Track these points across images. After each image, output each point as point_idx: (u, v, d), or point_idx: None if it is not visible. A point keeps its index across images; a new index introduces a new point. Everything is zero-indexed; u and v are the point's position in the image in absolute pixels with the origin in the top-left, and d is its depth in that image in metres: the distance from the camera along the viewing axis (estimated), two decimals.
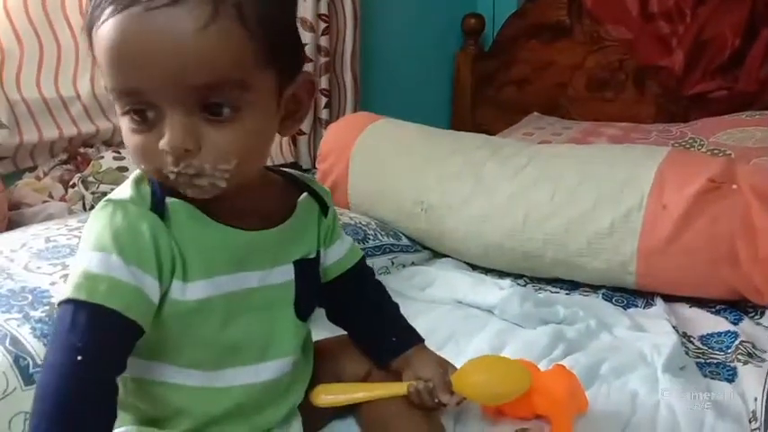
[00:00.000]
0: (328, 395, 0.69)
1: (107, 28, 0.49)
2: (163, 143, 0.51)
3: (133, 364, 0.57)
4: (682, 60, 1.83)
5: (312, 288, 0.67)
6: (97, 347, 0.51)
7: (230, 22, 0.49)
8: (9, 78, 1.32)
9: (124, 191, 0.56)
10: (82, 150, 1.41)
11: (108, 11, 0.49)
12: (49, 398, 0.49)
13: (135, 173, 0.58)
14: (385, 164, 1.39)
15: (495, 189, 1.24)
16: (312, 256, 0.66)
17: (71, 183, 1.33)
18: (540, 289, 1.21)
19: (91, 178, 1.30)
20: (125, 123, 0.53)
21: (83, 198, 1.29)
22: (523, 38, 2.12)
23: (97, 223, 0.54)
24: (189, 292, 0.56)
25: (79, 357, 0.49)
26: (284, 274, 0.63)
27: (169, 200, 0.55)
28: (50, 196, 1.30)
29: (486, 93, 2.18)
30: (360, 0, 1.86)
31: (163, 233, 0.54)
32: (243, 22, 0.50)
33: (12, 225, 1.20)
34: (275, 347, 0.63)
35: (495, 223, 1.22)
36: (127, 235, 0.53)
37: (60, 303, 0.52)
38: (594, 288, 1.21)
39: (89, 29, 0.52)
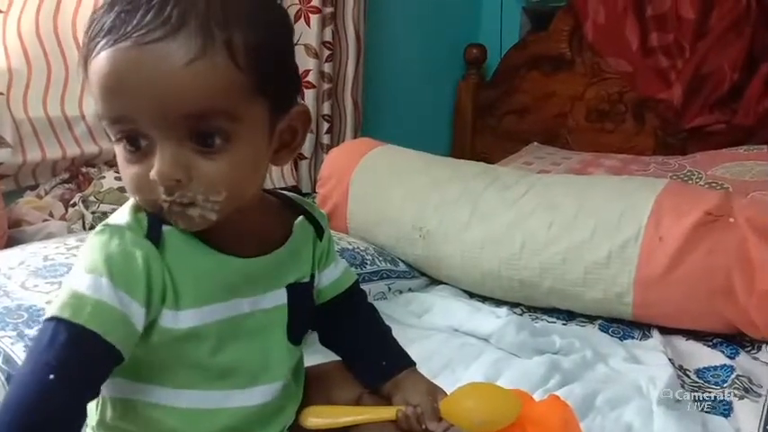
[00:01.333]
0: (317, 418, 0.69)
1: (100, 60, 0.50)
2: (153, 173, 0.51)
3: (124, 385, 0.57)
4: (681, 94, 1.85)
5: (305, 312, 0.67)
6: (71, 368, 0.50)
7: (219, 56, 0.50)
8: (16, 98, 1.34)
9: (122, 216, 0.57)
10: (84, 170, 1.42)
11: (101, 44, 0.50)
12: (11, 410, 0.49)
13: (130, 202, 0.58)
14: (384, 189, 1.40)
15: (492, 217, 1.25)
16: (306, 279, 0.67)
17: (72, 202, 1.34)
18: (536, 318, 1.21)
19: (92, 198, 1.31)
20: (119, 153, 0.54)
21: (83, 217, 1.30)
22: (524, 68, 2.15)
23: (93, 247, 0.54)
24: (181, 320, 0.56)
25: (51, 376, 0.49)
26: (277, 298, 0.63)
27: (165, 228, 0.56)
28: (51, 215, 1.31)
29: (486, 122, 2.21)
30: (363, 28, 1.89)
31: (156, 261, 0.54)
32: (232, 57, 0.50)
33: (11, 242, 1.20)
34: (268, 371, 0.63)
35: (492, 251, 1.22)
36: (119, 260, 0.53)
37: (45, 320, 0.52)
38: (591, 318, 1.21)
39: (84, 60, 0.52)
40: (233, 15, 0.51)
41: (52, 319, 0.51)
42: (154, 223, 0.55)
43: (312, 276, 0.68)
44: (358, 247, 1.32)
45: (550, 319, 1.22)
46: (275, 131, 0.56)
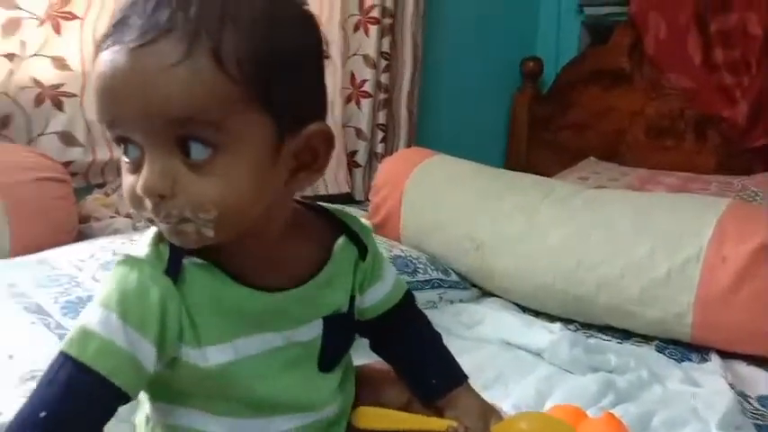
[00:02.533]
0: (368, 419, 0.69)
1: (97, 63, 0.49)
2: (138, 186, 0.48)
3: (168, 410, 0.57)
4: (745, 112, 1.80)
5: (340, 343, 0.64)
6: (66, 409, 0.49)
7: (204, 62, 0.47)
8: (89, 100, 1.40)
9: (143, 248, 0.54)
10: None
11: (102, 48, 0.49)
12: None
13: (156, 230, 0.54)
14: (438, 199, 1.41)
15: (548, 230, 1.24)
16: (344, 310, 0.63)
17: None
18: (590, 336, 1.19)
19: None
20: (122, 161, 0.52)
21: None
22: (582, 83, 2.12)
23: (112, 279, 0.52)
24: (207, 356, 0.54)
25: (42, 414, 0.48)
26: (312, 330, 0.60)
27: (186, 260, 0.53)
28: (117, 212, 1.36)
29: (541, 135, 2.19)
30: (421, 39, 1.91)
31: (173, 299, 0.52)
32: (219, 64, 0.47)
33: (80, 237, 1.26)
34: (309, 398, 0.61)
35: (547, 265, 1.21)
36: (133, 298, 0.51)
37: (58, 353, 0.51)
38: (647, 339, 1.18)
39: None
40: (229, 21, 0.48)
41: (61, 353, 0.50)
42: (174, 256, 0.53)
43: (352, 303, 0.64)
44: (410, 255, 1.33)
45: (605, 337, 1.20)
46: (283, 150, 0.52)
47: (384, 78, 1.85)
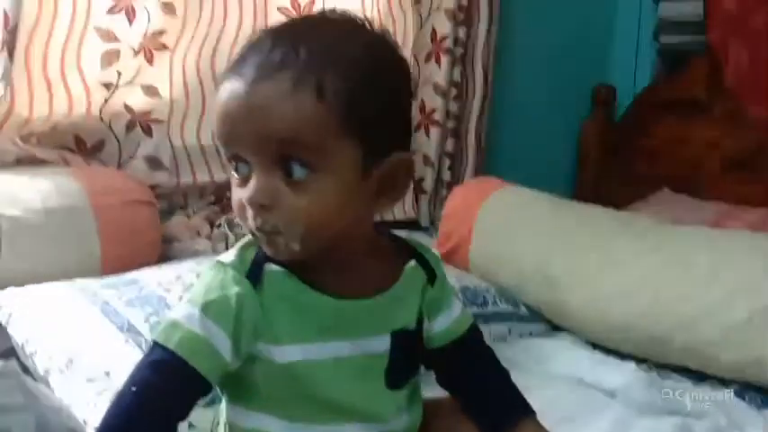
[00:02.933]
0: None
1: (219, 92, 0.58)
2: (244, 196, 0.57)
3: (243, 414, 0.62)
4: None
5: (407, 359, 0.66)
6: (154, 386, 0.56)
7: (308, 94, 0.55)
8: (174, 126, 1.48)
9: (230, 254, 0.61)
10: (228, 194, 1.53)
11: (224, 81, 0.58)
12: (104, 421, 0.56)
13: (245, 239, 0.63)
14: (509, 230, 1.41)
15: (623, 267, 1.22)
16: (412, 327, 0.66)
17: (217, 223, 1.45)
18: (665, 377, 1.16)
19: (235, 220, 1.41)
20: (232, 179, 0.60)
21: (226, 238, 1.40)
22: (657, 112, 2.08)
23: (201, 280, 0.60)
24: (281, 354, 0.59)
25: (133, 389, 0.55)
26: (380, 343, 0.63)
27: (268, 266, 0.59)
28: (198, 234, 1.43)
29: (613, 165, 2.15)
30: (492, 68, 1.92)
31: (251, 299, 0.58)
32: (320, 96, 0.55)
33: (163, 257, 1.32)
34: (372, 412, 0.63)
35: (621, 302, 1.19)
36: (215, 295, 0.58)
37: (150, 341, 0.61)
38: (725, 382, 1.14)
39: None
40: (331, 62, 0.56)
41: (152, 342, 0.58)
42: (257, 262, 0.60)
43: (420, 323, 0.67)
44: (479, 287, 1.33)
45: (680, 379, 1.17)
46: (371, 175, 0.58)
47: (453, 107, 1.86)
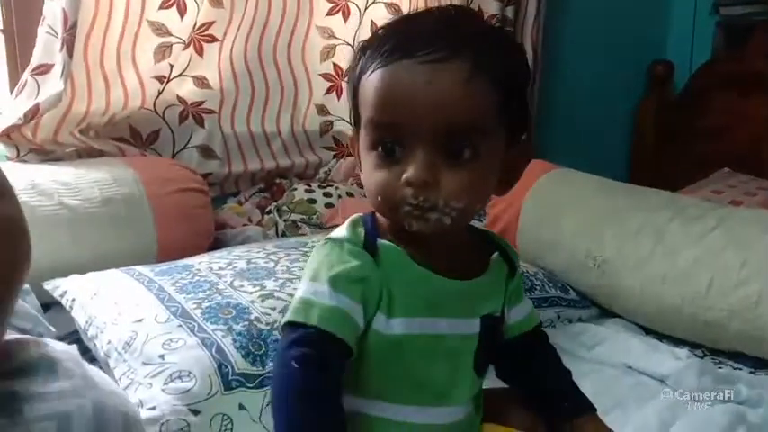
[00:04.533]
0: None
1: (381, 73, 0.59)
2: (407, 175, 0.58)
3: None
4: None
5: (492, 344, 0.68)
6: (312, 360, 0.57)
7: (486, 81, 0.58)
8: (225, 116, 1.51)
9: (341, 231, 0.63)
10: (278, 181, 1.56)
11: (380, 61, 0.59)
12: (277, 410, 0.58)
13: (352, 217, 0.66)
14: (559, 214, 1.38)
15: (678, 251, 1.19)
16: (497, 314, 0.69)
17: (267, 209, 1.48)
18: (719, 363, 1.13)
19: (285, 207, 1.44)
20: (370, 160, 0.61)
21: (276, 224, 1.43)
22: (716, 88, 2.00)
23: (316, 258, 0.62)
24: (390, 326, 0.61)
25: (294, 364, 0.57)
26: (472, 326, 0.66)
27: (380, 241, 0.62)
28: (249, 220, 1.46)
29: (670, 144, 2.08)
30: (541, 46, 1.88)
31: (372, 269, 0.60)
32: (493, 82, 0.58)
33: (216, 243, 1.36)
34: (453, 394, 0.65)
35: (675, 287, 1.16)
36: (338, 269, 0.60)
37: (282, 326, 0.61)
38: None
39: (357, 77, 0.62)
40: (497, 51, 0.60)
41: (288, 324, 0.60)
42: (370, 236, 0.62)
43: (503, 312, 0.70)
44: (527, 272, 1.32)
45: (735, 365, 1.13)
46: (504, 159, 0.61)
47: None
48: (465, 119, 0.57)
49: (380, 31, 0.62)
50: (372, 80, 0.59)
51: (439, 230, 0.59)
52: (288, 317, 0.60)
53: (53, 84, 1.23)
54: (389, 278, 0.61)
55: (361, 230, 0.62)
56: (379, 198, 0.60)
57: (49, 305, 1.07)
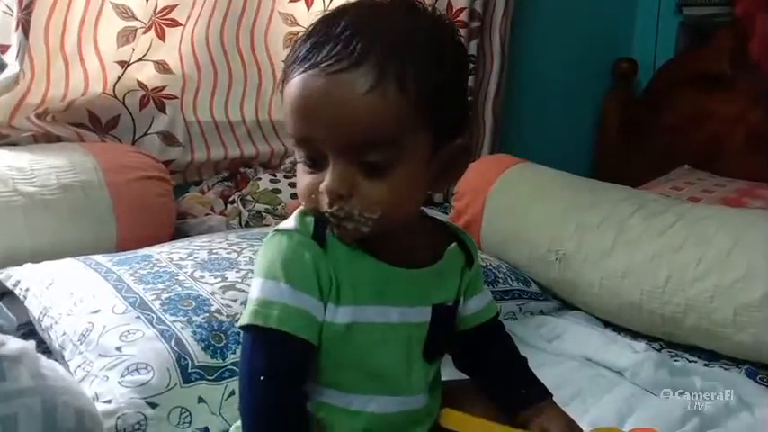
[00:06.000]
0: (453, 420, 0.70)
1: (293, 84, 0.58)
2: (322, 186, 0.58)
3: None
4: None
5: (444, 334, 0.69)
6: (277, 368, 0.58)
7: (391, 89, 0.55)
8: (188, 102, 1.48)
9: (290, 222, 0.63)
10: (242, 170, 1.54)
11: (293, 71, 0.58)
12: (247, 416, 0.59)
13: (300, 207, 0.65)
14: (522, 208, 1.40)
15: (637, 245, 1.21)
16: (450, 303, 0.69)
17: (231, 199, 1.46)
18: (676, 356, 1.16)
19: (249, 197, 1.42)
20: (300, 164, 0.62)
21: (240, 214, 1.41)
22: (679, 86, 2.03)
23: (267, 252, 0.61)
24: (339, 315, 0.61)
25: (261, 378, 0.57)
26: (422, 314, 0.66)
27: (328, 231, 0.61)
28: (212, 210, 1.44)
29: (632, 141, 2.11)
30: (509, 42, 1.89)
31: (322, 259, 0.60)
32: (402, 89, 0.56)
33: (178, 233, 1.34)
34: (408, 383, 0.66)
35: (634, 281, 1.18)
36: (293, 263, 0.60)
37: (241, 328, 0.60)
38: (737, 362, 1.13)
39: (282, 83, 0.60)
40: (409, 52, 0.57)
41: (248, 327, 0.59)
42: (319, 226, 0.61)
43: (457, 302, 0.70)
44: (491, 264, 1.33)
45: (691, 358, 1.16)
46: (435, 159, 0.60)
47: (470, 82, 1.84)
48: (367, 131, 0.56)
49: (302, 35, 0.60)
50: (286, 91, 0.59)
51: (357, 238, 0.60)
52: (247, 319, 0.59)
53: (9, 65, 1.19)
54: (337, 267, 0.61)
55: (310, 220, 0.62)
56: (304, 202, 0.61)
57: (2, 295, 1.04)
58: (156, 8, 1.36)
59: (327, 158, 0.58)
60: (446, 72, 0.60)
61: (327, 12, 0.61)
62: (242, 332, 0.61)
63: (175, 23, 1.42)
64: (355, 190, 0.57)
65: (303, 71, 0.57)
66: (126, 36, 1.34)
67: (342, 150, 0.57)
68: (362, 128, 0.55)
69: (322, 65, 0.56)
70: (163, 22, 1.40)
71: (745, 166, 1.87)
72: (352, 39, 0.56)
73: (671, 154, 2.00)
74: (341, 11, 0.60)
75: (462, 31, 1.78)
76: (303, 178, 0.61)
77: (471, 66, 1.81)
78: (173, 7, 1.39)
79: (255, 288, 0.60)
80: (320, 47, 0.56)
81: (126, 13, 1.33)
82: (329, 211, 0.58)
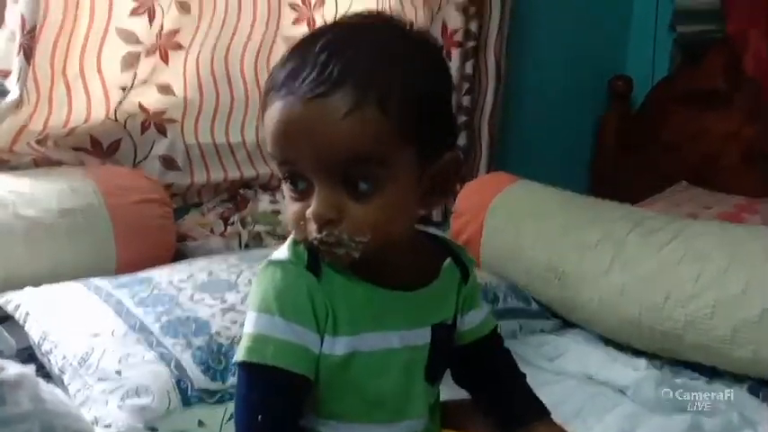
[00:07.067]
0: None
1: (273, 110, 0.57)
2: (308, 212, 0.57)
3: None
4: None
5: (444, 353, 0.69)
6: (274, 405, 0.57)
7: (371, 110, 0.55)
8: (188, 125, 1.49)
9: (282, 252, 0.62)
10: (242, 191, 1.54)
11: (274, 96, 0.57)
12: None
13: (292, 235, 0.64)
14: (520, 227, 1.40)
15: (636, 263, 1.21)
16: (449, 322, 0.69)
17: (230, 221, 1.47)
18: (677, 373, 1.16)
19: (248, 218, 1.43)
20: (286, 191, 0.61)
21: (239, 235, 1.42)
22: (674, 103, 2.05)
23: (261, 284, 0.60)
24: (336, 346, 0.60)
25: (259, 417, 0.57)
26: (422, 336, 0.65)
27: (322, 258, 0.60)
28: (212, 231, 1.44)
29: (629, 158, 2.12)
30: (504, 61, 1.90)
31: (317, 291, 0.59)
32: (383, 110, 0.55)
33: (178, 254, 1.34)
34: (408, 409, 0.65)
35: (633, 298, 1.19)
36: (287, 295, 0.58)
37: (237, 364, 0.60)
38: (738, 379, 1.13)
39: (262, 109, 0.60)
40: (389, 72, 0.56)
41: (244, 363, 0.58)
42: (312, 256, 0.60)
43: (455, 319, 0.70)
44: (491, 283, 1.33)
45: (692, 375, 1.16)
46: (424, 176, 0.60)
47: (466, 101, 1.85)
48: (349, 153, 0.55)
49: (279, 61, 0.59)
50: (266, 116, 0.58)
51: (350, 263, 0.59)
52: (243, 355, 0.58)
53: (10, 91, 1.20)
54: (333, 296, 0.60)
55: (303, 250, 0.61)
56: (292, 230, 0.60)
57: (3, 320, 1.04)
58: (160, 32, 1.37)
59: (313, 185, 0.57)
60: (428, 87, 0.59)
61: (305, 34, 0.61)
62: (237, 368, 0.60)
63: (179, 47, 1.43)
64: (343, 214, 0.56)
65: (281, 98, 0.56)
66: (131, 61, 1.34)
67: (326, 175, 0.56)
68: (344, 151, 0.55)
69: (299, 91, 0.55)
70: (167, 46, 1.41)
71: (741, 181, 1.88)
72: (329, 62, 0.55)
73: (668, 170, 2.01)
74: (319, 33, 0.60)
75: (456, 52, 1.80)
76: (291, 206, 0.60)
77: (467, 86, 1.84)
78: (177, 31, 1.41)
79: (250, 323, 0.59)
80: (297, 73, 0.56)
81: (130, 38, 1.34)
82: (318, 237, 0.57)
